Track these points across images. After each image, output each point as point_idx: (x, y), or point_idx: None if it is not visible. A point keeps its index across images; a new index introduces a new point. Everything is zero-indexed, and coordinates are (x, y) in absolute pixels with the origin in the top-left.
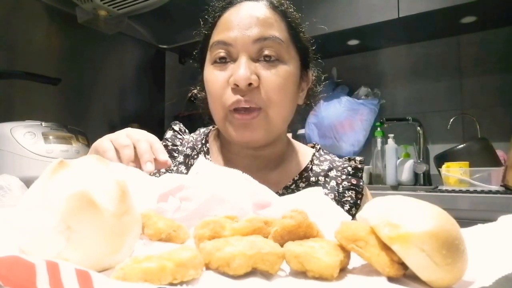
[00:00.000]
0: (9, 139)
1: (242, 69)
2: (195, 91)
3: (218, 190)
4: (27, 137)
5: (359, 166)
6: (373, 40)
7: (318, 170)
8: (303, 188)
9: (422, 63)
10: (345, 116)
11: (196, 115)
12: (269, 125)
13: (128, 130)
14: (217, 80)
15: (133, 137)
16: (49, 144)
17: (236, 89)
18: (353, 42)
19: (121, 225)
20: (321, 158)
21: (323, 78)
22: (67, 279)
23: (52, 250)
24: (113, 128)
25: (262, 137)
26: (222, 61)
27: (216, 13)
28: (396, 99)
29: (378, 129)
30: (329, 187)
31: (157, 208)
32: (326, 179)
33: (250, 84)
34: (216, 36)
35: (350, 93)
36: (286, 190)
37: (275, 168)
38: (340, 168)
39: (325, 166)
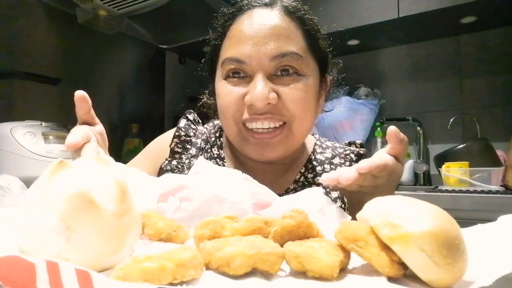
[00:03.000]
0: (9, 139)
1: (259, 88)
2: (204, 98)
3: (218, 190)
4: (27, 137)
5: (361, 152)
6: (373, 40)
7: (323, 158)
8: (311, 178)
9: (422, 63)
10: (345, 116)
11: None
12: (290, 142)
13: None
14: (230, 96)
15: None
16: (49, 144)
17: (251, 107)
18: (353, 42)
19: (121, 225)
20: (323, 146)
21: (339, 80)
22: (67, 279)
23: (52, 250)
24: (113, 128)
25: (282, 154)
26: (236, 76)
27: (226, 21)
28: (396, 99)
29: (378, 129)
30: None
31: (157, 208)
32: (331, 166)
33: (268, 103)
34: (228, 51)
35: (350, 93)
36: (296, 183)
37: (289, 167)
38: (342, 155)
39: (328, 153)
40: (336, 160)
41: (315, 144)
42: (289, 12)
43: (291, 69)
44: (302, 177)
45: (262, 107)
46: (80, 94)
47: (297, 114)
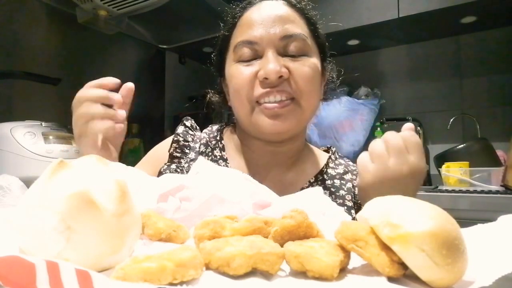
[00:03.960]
0: (9, 139)
1: (271, 62)
2: (210, 95)
3: (218, 190)
4: (27, 137)
5: None
6: (373, 40)
7: (334, 173)
8: None
9: (422, 63)
10: (345, 116)
11: (197, 115)
12: (301, 115)
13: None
14: (243, 75)
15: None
16: (49, 144)
17: (265, 82)
18: (353, 42)
19: (121, 225)
20: (336, 162)
21: (337, 73)
22: (67, 279)
23: (52, 250)
24: None
25: (294, 127)
26: (248, 59)
27: (236, 13)
28: (396, 99)
29: (378, 129)
30: (345, 189)
31: (157, 208)
32: (342, 181)
33: (280, 76)
34: (240, 36)
35: (350, 93)
36: None
37: (292, 166)
38: (355, 172)
39: (340, 169)
40: (348, 176)
41: (329, 158)
42: (292, 4)
43: (299, 50)
44: (310, 187)
45: (275, 80)
46: (131, 86)
47: (305, 90)
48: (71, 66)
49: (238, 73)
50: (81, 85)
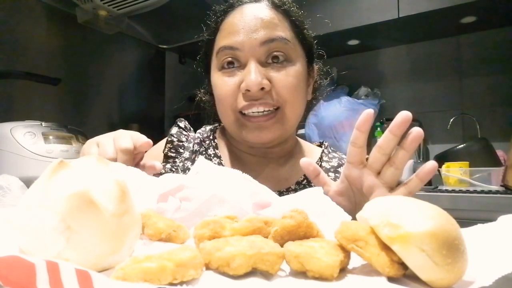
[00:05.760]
0: (9, 139)
1: (253, 74)
2: (200, 94)
3: (218, 190)
4: (27, 137)
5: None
6: (373, 40)
7: (328, 167)
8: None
9: (422, 63)
10: (345, 116)
11: (196, 115)
12: (284, 125)
13: (116, 134)
14: (226, 86)
15: (118, 143)
16: (49, 144)
17: (247, 94)
18: (353, 42)
19: (121, 225)
20: (330, 155)
21: (325, 70)
22: (67, 279)
23: (52, 250)
24: (113, 128)
25: (278, 137)
26: (230, 67)
27: (218, 17)
28: (396, 99)
29: (378, 129)
30: None
31: (157, 208)
32: (336, 174)
33: (262, 88)
34: (222, 41)
35: (350, 93)
36: (299, 185)
37: (285, 163)
38: None
39: (334, 162)
40: (341, 169)
41: (323, 152)
42: (276, 6)
43: (281, 55)
44: (305, 181)
45: (257, 91)
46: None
47: (289, 100)
48: (71, 66)
49: (221, 84)
50: (81, 85)
